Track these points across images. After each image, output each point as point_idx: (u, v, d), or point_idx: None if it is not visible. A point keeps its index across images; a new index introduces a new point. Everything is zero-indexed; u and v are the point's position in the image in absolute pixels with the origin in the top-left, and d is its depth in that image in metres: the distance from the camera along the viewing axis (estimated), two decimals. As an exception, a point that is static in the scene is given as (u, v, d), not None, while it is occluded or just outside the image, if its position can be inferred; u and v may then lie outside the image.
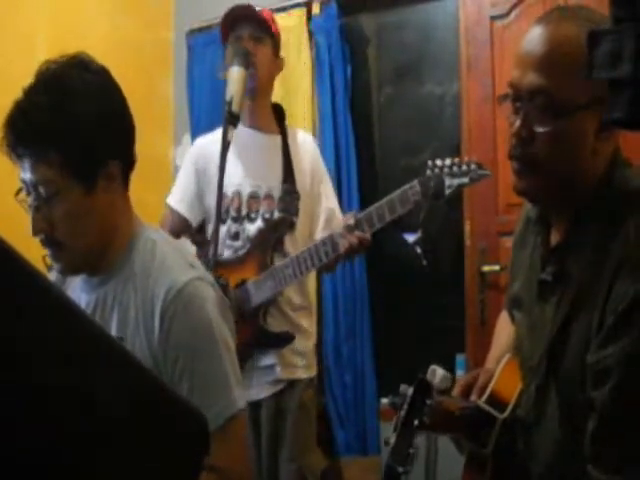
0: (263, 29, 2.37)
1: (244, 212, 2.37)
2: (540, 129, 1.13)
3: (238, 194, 2.37)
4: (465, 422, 1.31)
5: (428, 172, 2.10)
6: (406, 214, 2.15)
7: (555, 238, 1.23)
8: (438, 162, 2.10)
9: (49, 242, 1.32)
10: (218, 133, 2.49)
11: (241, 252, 2.36)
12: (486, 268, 3.08)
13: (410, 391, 1.28)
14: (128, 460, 0.66)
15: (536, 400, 1.21)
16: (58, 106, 1.27)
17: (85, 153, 1.29)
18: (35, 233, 1.31)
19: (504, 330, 1.49)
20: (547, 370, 1.18)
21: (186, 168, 2.50)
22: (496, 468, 1.28)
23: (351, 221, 2.17)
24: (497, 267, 3.05)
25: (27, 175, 1.29)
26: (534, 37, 1.15)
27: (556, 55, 1.12)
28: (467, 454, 1.35)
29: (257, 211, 2.37)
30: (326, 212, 2.45)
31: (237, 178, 2.34)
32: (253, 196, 2.38)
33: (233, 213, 2.37)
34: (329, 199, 2.48)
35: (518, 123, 1.16)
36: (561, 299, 1.17)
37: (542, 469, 1.21)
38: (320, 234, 2.39)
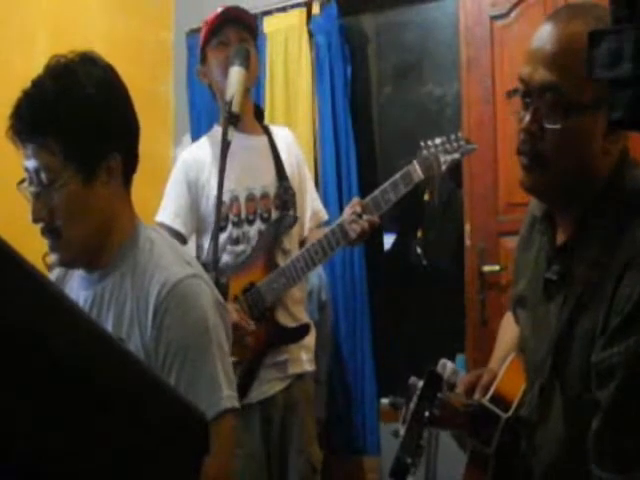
0: (248, 31, 2.38)
1: (243, 215, 2.37)
2: (550, 125, 1.14)
3: (236, 199, 2.37)
4: (468, 419, 1.31)
5: (424, 152, 2.21)
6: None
7: (561, 237, 1.23)
8: (430, 142, 2.23)
9: (48, 230, 1.33)
10: (203, 142, 2.51)
11: (244, 256, 2.36)
12: (486, 268, 3.07)
13: (420, 384, 1.27)
14: (127, 460, 0.66)
15: (540, 399, 1.21)
16: (62, 94, 1.29)
17: (86, 143, 1.30)
18: (35, 220, 1.32)
19: (508, 330, 1.49)
20: (552, 369, 1.18)
21: (176, 182, 2.44)
22: (498, 467, 1.27)
23: (358, 208, 2.21)
24: (497, 267, 3.05)
25: (30, 162, 1.30)
26: (545, 34, 1.16)
27: (567, 53, 1.13)
28: (469, 453, 1.34)
29: (255, 212, 2.37)
30: (311, 209, 2.49)
31: (231, 183, 2.32)
32: (250, 198, 2.38)
33: (233, 218, 2.36)
34: (314, 199, 2.54)
35: (528, 118, 1.16)
36: (566, 298, 1.16)
37: (545, 468, 1.21)
38: (307, 232, 2.44)
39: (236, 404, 1.32)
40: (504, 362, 1.39)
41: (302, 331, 2.36)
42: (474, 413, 1.30)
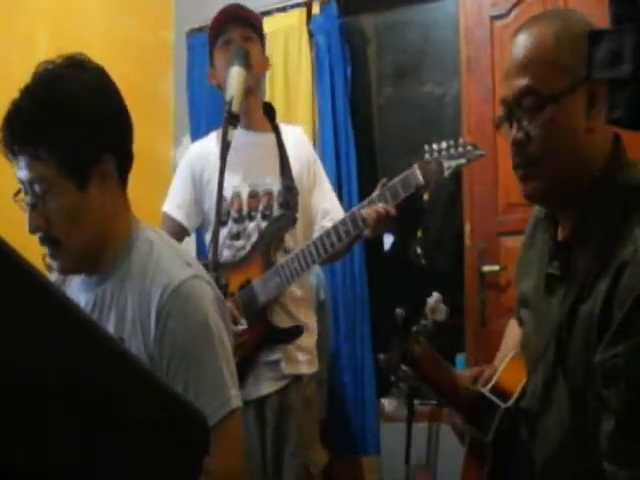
0: (253, 29, 2.38)
1: (245, 212, 2.38)
2: (533, 126, 1.16)
3: (238, 195, 2.37)
4: (467, 405, 1.32)
5: (426, 156, 2.14)
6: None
7: (562, 234, 1.25)
8: (435, 146, 2.14)
9: (46, 240, 1.33)
10: (212, 137, 2.50)
11: (242, 252, 2.36)
12: (486, 268, 3.07)
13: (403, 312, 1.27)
14: (127, 461, 0.66)
15: (543, 388, 1.22)
16: (51, 104, 1.28)
17: (78, 150, 1.30)
18: (32, 230, 1.32)
19: (512, 333, 1.51)
20: (554, 357, 1.19)
21: (182, 174, 2.48)
22: (496, 457, 1.28)
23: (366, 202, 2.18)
24: (497, 267, 3.05)
25: (23, 173, 1.30)
26: (513, 48, 1.22)
27: (533, 54, 1.17)
28: (468, 444, 1.35)
29: (257, 209, 2.37)
30: (322, 208, 2.46)
31: (235, 180, 2.34)
32: (252, 195, 2.38)
33: (234, 214, 2.37)
34: (327, 198, 2.49)
35: (514, 131, 1.19)
36: (568, 290, 1.18)
37: (547, 456, 1.22)
38: (318, 232, 2.39)
39: (241, 403, 1.33)
40: (505, 358, 1.41)
41: (293, 332, 2.33)
42: (474, 401, 1.31)
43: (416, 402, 2.95)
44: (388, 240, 3.36)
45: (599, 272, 1.11)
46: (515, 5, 3.05)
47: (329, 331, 3.22)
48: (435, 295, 1.33)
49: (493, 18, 3.11)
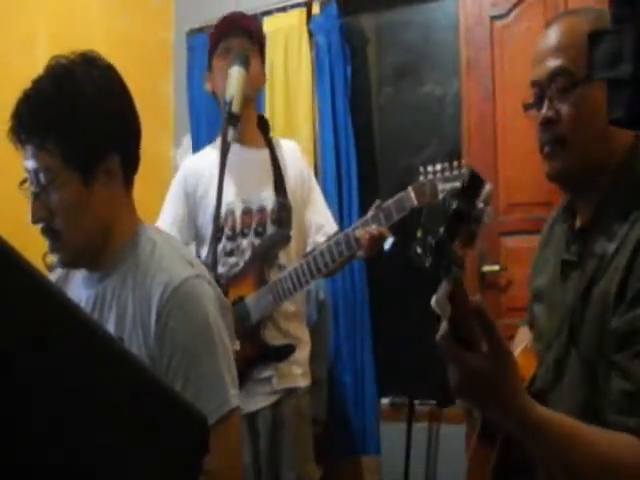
0: (252, 41, 2.38)
1: (238, 229, 2.37)
2: (564, 105, 1.20)
3: (231, 212, 2.36)
4: None
5: (421, 178, 2.14)
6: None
7: (580, 222, 1.26)
8: (429, 168, 2.15)
9: (48, 231, 1.33)
10: (207, 151, 2.50)
11: (236, 268, 2.35)
12: (486, 268, 3.07)
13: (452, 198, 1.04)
14: (126, 460, 0.66)
15: (555, 366, 1.23)
16: (61, 97, 1.30)
17: (84, 145, 1.30)
18: (34, 220, 1.32)
19: (521, 338, 1.51)
20: (567, 339, 1.20)
21: (175, 191, 2.47)
22: (506, 440, 1.28)
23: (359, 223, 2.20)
24: (497, 267, 3.05)
25: (29, 162, 1.31)
26: (546, 34, 1.25)
27: (568, 38, 1.21)
28: (480, 426, 1.35)
29: (250, 226, 2.37)
30: (315, 223, 2.46)
31: (229, 196, 2.32)
32: (246, 212, 2.37)
33: (228, 232, 2.36)
34: (320, 212, 2.49)
35: (544, 110, 1.22)
36: (582, 273, 1.19)
37: None
38: (311, 246, 2.40)
39: (239, 403, 1.33)
40: (516, 349, 1.41)
41: (287, 351, 2.32)
42: None
43: (416, 402, 2.96)
44: (388, 240, 3.36)
45: (614, 253, 1.13)
46: (515, 5, 3.06)
47: (329, 331, 3.22)
48: (488, 186, 1.22)
49: (493, 18, 3.11)
